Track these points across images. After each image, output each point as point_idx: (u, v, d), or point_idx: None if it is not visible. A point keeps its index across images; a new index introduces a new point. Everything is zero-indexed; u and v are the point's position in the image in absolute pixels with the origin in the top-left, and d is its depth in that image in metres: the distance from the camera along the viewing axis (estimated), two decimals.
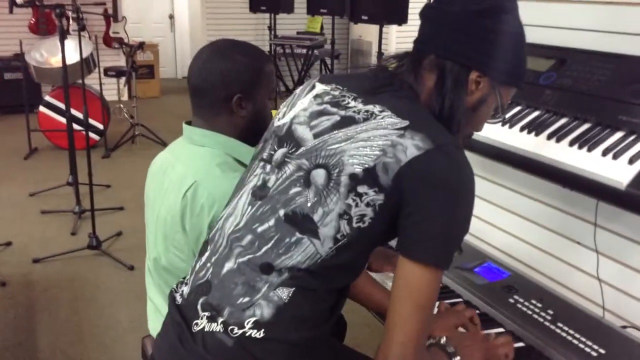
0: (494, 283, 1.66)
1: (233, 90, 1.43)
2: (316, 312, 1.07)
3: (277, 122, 1.20)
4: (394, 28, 6.75)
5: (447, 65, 1.08)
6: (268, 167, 1.14)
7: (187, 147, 1.48)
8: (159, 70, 7.99)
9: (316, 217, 1.02)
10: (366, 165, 0.99)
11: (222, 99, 1.43)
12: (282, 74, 7.46)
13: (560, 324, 1.43)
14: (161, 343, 1.18)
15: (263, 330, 1.03)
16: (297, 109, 1.17)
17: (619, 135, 1.39)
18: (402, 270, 1.00)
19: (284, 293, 1.03)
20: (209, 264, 1.14)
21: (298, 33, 7.55)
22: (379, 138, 1.00)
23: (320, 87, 1.18)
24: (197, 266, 1.17)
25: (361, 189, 0.99)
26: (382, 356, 1.01)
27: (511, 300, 1.55)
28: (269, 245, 1.05)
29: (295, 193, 1.05)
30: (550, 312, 1.48)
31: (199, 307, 1.10)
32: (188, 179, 1.39)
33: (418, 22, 1.15)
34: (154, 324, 1.58)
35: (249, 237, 1.09)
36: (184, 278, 1.23)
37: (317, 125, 1.10)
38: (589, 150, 1.39)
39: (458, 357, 1.12)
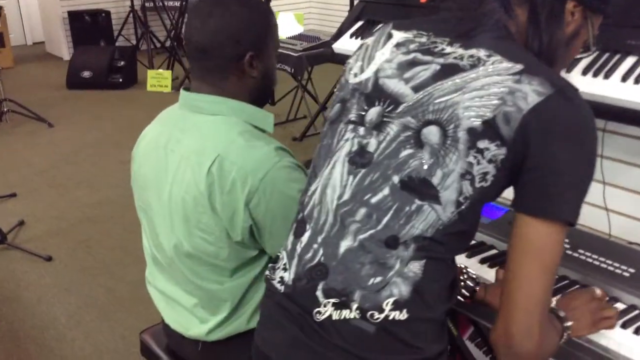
0: (497, 220, 1.68)
1: (245, 47, 1.27)
2: (447, 283, 1.00)
3: (353, 79, 1.08)
4: None
5: None
6: (361, 129, 1.02)
7: (192, 117, 1.31)
8: (9, 37, 7.15)
9: (435, 180, 0.93)
10: (485, 117, 0.90)
11: (232, 58, 1.27)
12: (155, 30, 6.98)
13: (581, 251, 1.47)
14: (274, 338, 1.05)
15: (405, 310, 0.94)
16: (378, 61, 1.05)
17: (631, 60, 1.42)
18: (524, 229, 0.92)
19: (416, 266, 0.95)
20: (315, 245, 1.01)
21: None
22: (494, 85, 0.91)
23: (399, 35, 1.07)
24: (298, 248, 1.04)
25: (482, 143, 0.91)
26: (503, 325, 0.93)
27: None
28: (388, 216, 0.95)
29: (407, 156, 0.95)
30: (566, 240, 1.51)
31: (318, 293, 0.98)
32: (208, 153, 1.23)
33: None
34: (173, 315, 1.42)
35: (363, 211, 0.97)
36: (274, 263, 1.10)
37: (413, 77, 0.99)
38: (606, 77, 1.42)
39: (570, 322, 1.06)
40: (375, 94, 1.03)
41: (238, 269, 1.31)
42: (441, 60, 0.98)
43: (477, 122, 0.91)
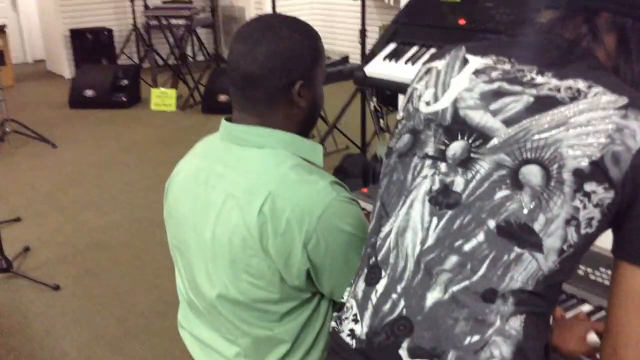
0: None
1: (295, 76, 1.17)
2: (545, 340, 0.90)
3: (425, 108, 0.98)
4: None
5: (629, 22, 0.92)
6: (443, 166, 0.92)
7: (235, 150, 1.20)
8: (9, 55, 7.05)
9: (537, 226, 0.83)
10: (593, 157, 0.82)
11: (281, 87, 1.17)
12: (159, 49, 6.89)
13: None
14: None
15: None
16: (456, 90, 0.95)
17: None
18: (628, 279, 0.85)
19: (517, 323, 0.85)
20: (394, 295, 0.91)
21: (164, 2, 6.99)
22: (600, 121, 0.82)
23: (477, 60, 0.97)
24: (373, 298, 0.93)
25: (589, 186, 0.82)
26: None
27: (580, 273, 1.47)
28: (485, 266, 0.85)
29: (504, 198, 0.85)
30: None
31: (402, 352, 0.87)
32: (258, 191, 1.13)
33: None
34: None
35: (454, 259, 0.87)
36: (340, 312, 0.99)
37: (502, 110, 0.90)
38: None
39: None
40: (457, 126, 0.93)
41: (288, 313, 1.20)
42: (534, 91, 0.89)
43: (584, 163, 0.82)
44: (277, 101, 1.19)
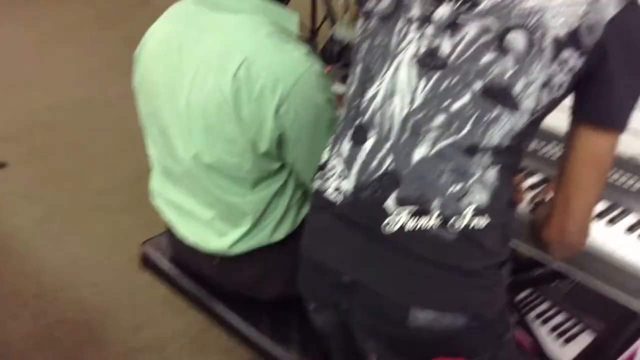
0: None
1: None
2: (512, 188, 1.00)
3: None
4: None
5: None
6: (430, 29, 0.95)
7: (211, 15, 1.19)
8: None
9: (517, 88, 0.90)
10: (572, 26, 0.88)
11: None
12: None
13: None
14: (333, 250, 1.00)
15: (485, 216, 0.93)
16: None
17: None
18: (585, 139, 0.94)
19: (493, 174, 0.93)
20: (381, 153, 0.96)
21: None
22: None
23: None
24: (362, 156, 0.98)
25: (565, 53, 0.88)
26: (560, 225, 0.99)
27: None
28: (470, 124, 0.92)
29: (490, 61, 0.90)
30: None
31: (389, 202, 0.94)
32: (234, 56, 1.13)
33: None
34: (188, 228, 1.37)
35: (441, 117, 0.93)
36: (322, 171, 1.04)
37: None
38: None
39: None
40: None
41: (259, 181, 1.26)
42: None
43: (563, 31, 0.88)
44: None
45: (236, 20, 1.18)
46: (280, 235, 1.32)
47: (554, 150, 1.39)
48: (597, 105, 0.93)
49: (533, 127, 0.95)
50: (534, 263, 1.55)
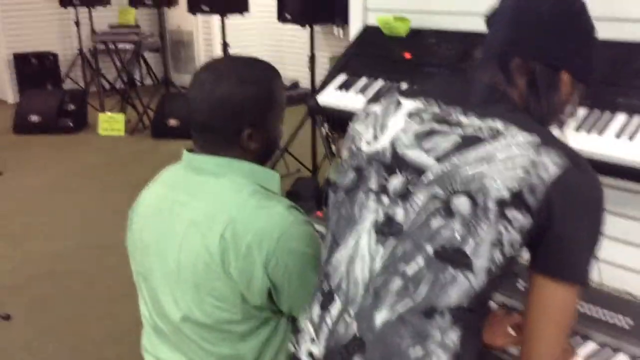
0: None
1: (243, 123, 1.26)
2: (478, 346, 1.02)
3: (367, 147, 1.09)
4: (216, 18, 6.52)
5: (537, 67, 1.06)
6: (386, 199, 1.03)
7: (198, 179, 1.27)
8: None
9: (468, 250, 0.95)
10: (513, 189, 0.94)
11: (232, 134, 1.26)
12: (106, 73, 6.83)
13: (582, 303, 1.49)
14: None
15: None
16: (393, 131, 1.07)
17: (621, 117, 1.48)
18: (543, 291, 0.98)
19: (454, 336, 0.96)
20: (348, 318, 1.00)
21: (111, 27, 6.96)
22: (517, 157, 0.95)
23: (409, 104, 1.10)
24: (328, 321, 1.03)
25: (510, 213, 0.94)
26: None
27: (519, 286, 1.58)
28: (426, 287, 0.96)
29: (439, 226, 0.97)
30: None
31: None
32: (220, 217, 1.20)
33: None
34: None
35: (398, 282, 0.98)
36: (297, 334, 1.07)
37: (433, 148, 1.01)
38: (600, 134, 1.46)
39: None
40: (395, 163, 1.05)
41: (250, 332, 1.27)
42: (460, 130, 1.01)
43: (505, 193, 0.94)
44: (231, 143, 1.27)
45: (220, 182, 1.25)
46: None
47: None
48: (553, 258, 0.97)
49: (493, 285, 0.98)
50: None
